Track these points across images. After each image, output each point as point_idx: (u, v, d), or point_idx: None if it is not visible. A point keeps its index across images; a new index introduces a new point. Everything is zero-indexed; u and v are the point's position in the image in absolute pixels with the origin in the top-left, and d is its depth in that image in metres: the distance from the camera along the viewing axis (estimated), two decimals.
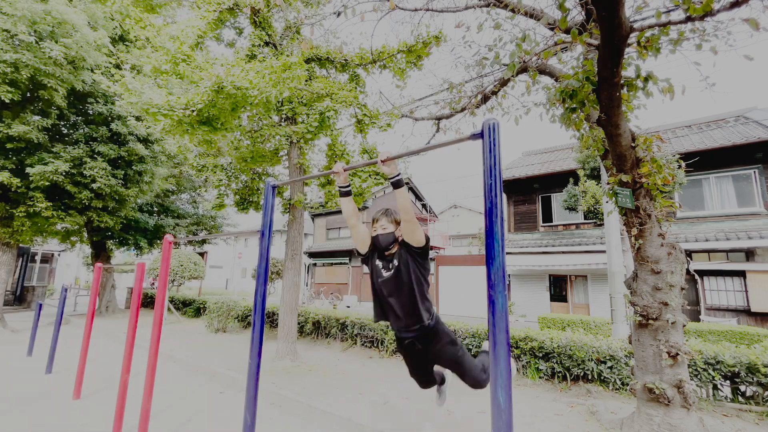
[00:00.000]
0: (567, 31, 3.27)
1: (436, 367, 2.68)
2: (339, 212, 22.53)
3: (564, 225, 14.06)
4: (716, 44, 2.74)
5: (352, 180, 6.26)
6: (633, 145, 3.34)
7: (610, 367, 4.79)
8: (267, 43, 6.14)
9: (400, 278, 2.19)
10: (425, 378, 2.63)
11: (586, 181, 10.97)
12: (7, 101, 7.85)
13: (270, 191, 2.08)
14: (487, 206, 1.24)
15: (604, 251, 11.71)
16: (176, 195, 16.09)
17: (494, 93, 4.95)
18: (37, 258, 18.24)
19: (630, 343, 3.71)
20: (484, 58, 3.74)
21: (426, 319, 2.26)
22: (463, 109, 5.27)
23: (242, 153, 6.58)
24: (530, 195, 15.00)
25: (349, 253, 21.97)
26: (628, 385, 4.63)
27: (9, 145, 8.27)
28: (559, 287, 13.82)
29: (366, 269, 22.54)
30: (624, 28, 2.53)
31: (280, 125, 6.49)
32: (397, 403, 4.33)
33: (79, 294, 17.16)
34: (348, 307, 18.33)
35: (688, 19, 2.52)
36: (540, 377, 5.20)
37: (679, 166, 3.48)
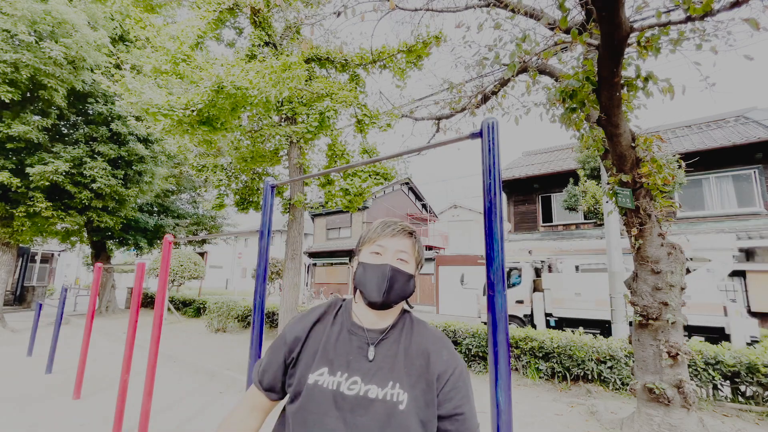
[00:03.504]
0: (567, 31, 3.27)
1: None
2: (339, 212, 22.53)
3: (564, 225, 14.05)
4: (716, 44, 2.75)
5: (351, 180, 6.26)
6: (633, 145, 3.34)
7: (610, 367, 4.79)
8: (267, 43, 6.13)
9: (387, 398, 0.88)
10: None
11: (586, 181, 10.96)
12: (7, 101, 7.84)
13: (269, 191, 2.07)
14: (486, 206, 1.24)
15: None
16: (176, 195, 16.09)
17: (494, 93, 4.95)
18: (37, 258, 18.25)
19: (630, 343, 3.71)
20: (484, 58, 3.74)
21: None
22: (463, 109, 5.27)
23: (242, 153, 6.58)
24: (530, 195, 14.99)
25: (349, 253, 21.97)
26: (628, 385, 4.63)
27: (9, 145, 8.27)
28: None
29: None
30: (624, 28, 2.53)
31: (280, 125, 6.49)
32: None
33: (79, 294, 17.15)
34: None
35: (688, 19, 2.52)
36: (540, 377, 5.20)
37: (679, 166, 3.48)
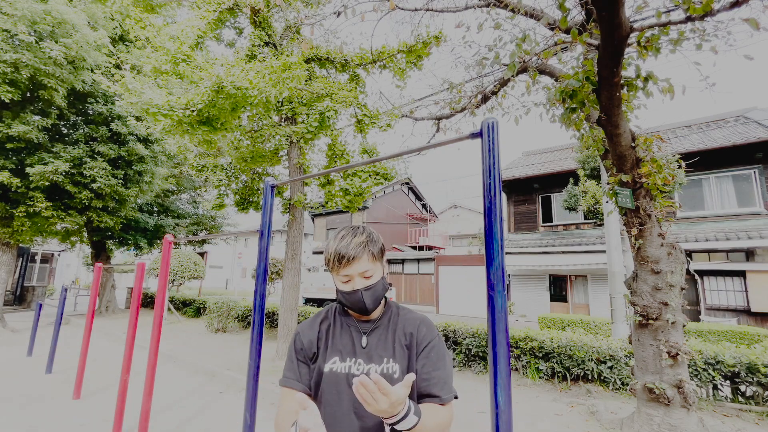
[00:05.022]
0: (567, 31, 3.27)
1: None
2: (339, 212, 22.53)
3: (564, 225, 14.05)
4: (716, 44, 2.74)
5: (351, 180, 6.27)
6: (633, 145, 3.34)
7: (610, 367, 4.79)
8: (267, 43, 6.13)
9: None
10: None
11: (586, 181, 10.96)
12: (7, 101, 7.84)
13: (269, 191, 2.07)
14: (486, 206, 1.24)
15: (604, 251, 11.71)
16: (176, 195, 16.08)
17: (494, 93, 4.95)
18: (37, 258, 18.23)
19: (630, 343, 3.71)
20: (484, 58, 3.74)
21: None
22: (463, 109, 5.27)
23: (242, 153, 6.58)
24: (530, 195, 14.99)
25: None
26: (628, 385, 4.63)
27: (9, 145, 8.27)
28: (559, 287, 13.81)
29: None
30: (624, 28, 2.52)
31: (280, 125, 6.49)
32: None
33: (79, 294, 17.14)
34: None
35: (688, 19, 2.52)
36: (540, 377, 5.20)
37: (679, 166, 3.47)
